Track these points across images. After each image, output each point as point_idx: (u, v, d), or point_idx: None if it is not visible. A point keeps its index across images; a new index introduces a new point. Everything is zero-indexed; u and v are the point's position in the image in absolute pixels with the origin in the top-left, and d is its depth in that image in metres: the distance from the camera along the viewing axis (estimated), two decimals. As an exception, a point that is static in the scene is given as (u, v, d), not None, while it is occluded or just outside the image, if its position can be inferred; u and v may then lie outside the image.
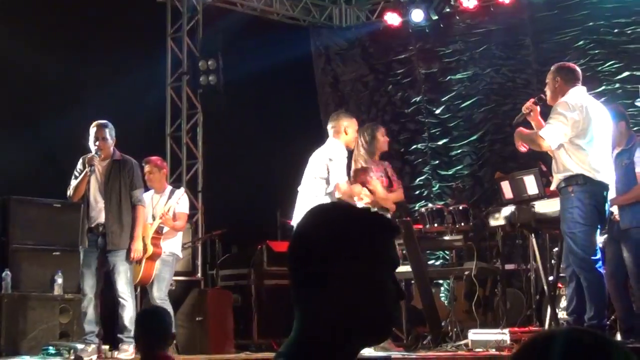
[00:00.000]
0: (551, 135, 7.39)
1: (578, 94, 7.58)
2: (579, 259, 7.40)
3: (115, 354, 9.30)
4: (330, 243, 2.16)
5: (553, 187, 7.71)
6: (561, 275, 8.65)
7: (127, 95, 11.88)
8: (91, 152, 9.31)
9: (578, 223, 7.37)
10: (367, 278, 2.16)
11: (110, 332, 9.52)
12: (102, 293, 9.44)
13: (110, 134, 9.40)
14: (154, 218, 9.97)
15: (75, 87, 12.16)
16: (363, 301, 2.15)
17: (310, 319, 2.18)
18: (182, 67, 14.33)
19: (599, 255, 7.52)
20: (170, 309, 9.83)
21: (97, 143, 9.28)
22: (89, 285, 9.26)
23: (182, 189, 10.57)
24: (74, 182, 9.32)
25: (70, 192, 9.37)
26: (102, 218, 9.29)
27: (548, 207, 8.05)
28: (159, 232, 9.84)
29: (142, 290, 10.42)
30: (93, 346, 9.15)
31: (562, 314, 8.89)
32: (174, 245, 10.20)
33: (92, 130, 9.36)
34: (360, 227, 2.20)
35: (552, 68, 7.83)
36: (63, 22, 12.46)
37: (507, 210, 8.47)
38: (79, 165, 9.36)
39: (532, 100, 7.79)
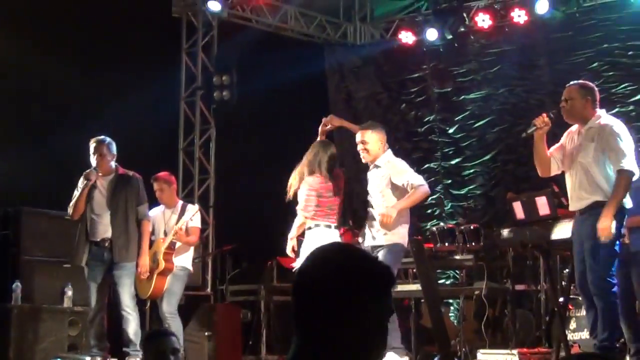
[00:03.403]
0: (632, 163, 7.40)
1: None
2: (601, 280, 7.36)
3: (123, 366, 9.31)
4: (332, 285, 2.38)
5: (578, 207, 7.62)
6: (571, 297, 8.62)
7: (141, 109, 11.90)
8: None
9: (608, 247, 7.35)
10: (363, 321, 2.36)
11: (118, 345, 9.52)
12: (109, 306, 9.46)
13: (109, 149, 9.41)
14: (165, 234, 9.98)
15: (89, 101, 12.20)
16: (356, 342, 2.37)
17: (306, 345, 2.38)
18: (197, 82, 14.37)
19: (615, 280, 7.52)
20: (179, 323, 9.85)
21: (95, 158, 9.33)
22: (94, 299, 9.29)
23: (196, 206, 10.59)
24: (74, 199, 9.36)
25: (70, 209, 9.40)
26: (108, 232, 9.31)
27: (559, 228, 8.01)
28: (171, 247, 9.86)
29: (152, 303, 10.43)
30: (99, 359, 9.17)
31: (571, 336, 8.87)
32: (185, 260, 10.21)
33: (91, 145, 9.40)
34: (362, 275, 2.41)
35: (579, 86, 7.73)
36: (77, 35, 12.51)
37: (519, 231, 8.44)
38: (80, 182, 9.39)
39: (545, 115, 7.72)
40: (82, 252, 9.34)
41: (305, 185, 8.73)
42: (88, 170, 9.32)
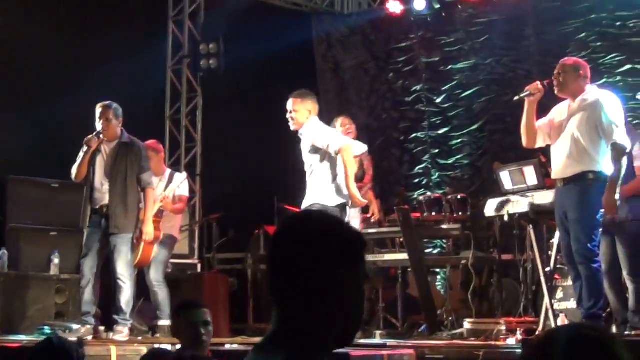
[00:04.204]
0: (624, 136, 7.48)
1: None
2: (587, 251, 7.44)
3: (110, 335, 9.28)
4: (307, 253, 2.35)
5: (563, 175, 7.68)
6: (558, 266, 8.66)
7: (127, 77, 11.84)
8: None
9: (594, 216, 7.44)
10: (340, 289, 2.35)
11: (108, 313, 9.51)
12: (102, 274, 9.43)
13: (115, 114, 9.31)
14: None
15: (75, 69, 12.13)
16: (335, 310, 2.35)
17: (287, 317, 2.39)
18: (183, 50, 14.33)
19: (599, 250, 7.62)
20: (166, 291, 9.86)
21: (100, 124, 9.24)
22: (89, 266, 9.22)
23: (184, 174, 10.57)
24: (77, 161, 9.29)
25: (73, 172, 9.32)
26: (106, 200, 9.23)
27: (546, 198, 8.05)
28: (158, 215, 9.83)
29: (139, 272, 10.43)
30: (88, 327, 9.12)
31: (557, 305, 8.91)
32: (172, 228, 10.21)
33: (97, 111, 9.30)
34: (335, 242, 2.38)
35: (572, 61, 7.84)
36: (63, 3, 12.44)
37: (505, 200, 8.47)
38: (83, 148, 9.31)
39: (539, 82, 7.75)
40: (87, 217, 9.28)
41: None
42: (89, 136, 9.23)
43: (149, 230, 9.35)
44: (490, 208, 8.72)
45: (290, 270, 2.37)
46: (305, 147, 8.52)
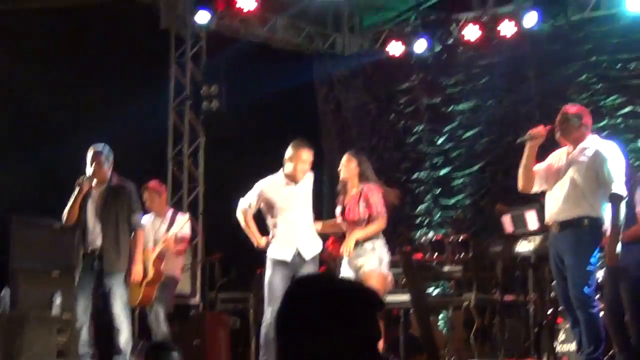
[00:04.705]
0: (622, 187, 7.53)
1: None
2: (584, 296, 7.45)
3: (113, 376, 9.29)
4: (319, 320, 2.33)
5: (558, 219, 7.70)
6: (560, 308, 8.66)
7: (130, 118, 11.88)
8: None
9: (591, 263, 7.47)
10: (347, 352, 2.31)
11: (107, 353, 9.49)
12: (97, 315, 9.44)
13: (107, 158, 9.35)
14: (155, 243, 9.97)
15: (78, 110, 12.20)
16: None
17: None
18: (185, 92, 14.38)
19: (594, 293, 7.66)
20: (168, 331, 9.86)
21: (92, 168, 9.28)
22: (82, 307, 9.26)
23: (187, 215, 10.60)
24: (68, 205, 9.34)
25: (64, 216, 9.38)
26: (99, 242, 9.27)
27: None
28: (160, 257, 9.86)
29: (141, 311, 10.44)
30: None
31: (559, 348, 8.90)
32: (173, 269, 10.22)
33: (89, 154, 9.35)
34: (340, 306, 2.35)
35: (576, 110, 7.84)
36: (67, 45, 12.51)
37: (508, 244, 8.49)
38: (75, 191, 9.36)
39: (543, 126, 7.78)
40: (79, 259, 9.32)
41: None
42: (80, 179, 9.28)
43: (137, 270, 9.35)
44: (492, 250, 8.75)
45: (302, 336, 2.35)
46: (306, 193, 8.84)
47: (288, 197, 8.90)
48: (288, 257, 8.82)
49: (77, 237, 9.37)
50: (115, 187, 9.39)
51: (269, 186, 8.99)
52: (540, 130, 7.75)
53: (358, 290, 2.42)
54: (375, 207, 8.64)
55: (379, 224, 8.64)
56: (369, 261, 8.57)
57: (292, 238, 8.87)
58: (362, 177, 8.84)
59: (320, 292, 2.38)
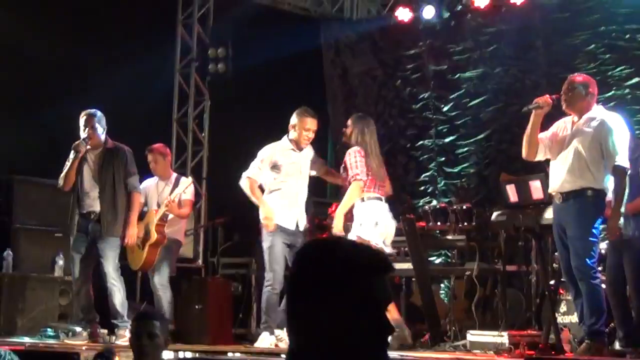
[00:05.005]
0: (625, 159, 7.54)
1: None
2: (586, 267, 7.45)
3: (113, 339, 9.32)
4: (326, 280, 2.37)
5: (561, 189, 7.68)
6: (562, 280, 8.65)
7: (135, 80, 11.86)
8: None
9: (593, 234, 7.46)
10: (350, 315, 2.36)
11: (107, 316, 9.52)
12: (94, 277, 9.47)
13: (99, 122, 9.41)
14: (159, 205, 9.97)
15: (83, 71, 12.17)
16: (343, 333, 2.36)
17: (302, 334, 2.41)
18: (192, 54, 14.33)
19: (598, 265, 7.67)
20: (170, 295, 9.87)
21: (86, 132, 9.31)
22: (79, 270, 9.32)
23: (190, 178, 10.59)
24: (64, 170, 9.36)
25: (60, 181, 9.40)
26: (96, 206, 9.33)
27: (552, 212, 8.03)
28: (163, 219, 9.87)
29: (144, 275, 10.45)
30: (89, 330, 9.23)
31: (561, 319, 8.89)
32: (177, 232, 10.22)
33: (82, 119, 9.39)
34: (352, 269, 2.39)
35: (582, 78, 7.82)
36: (72, 6, 12.45)
37: (511, 213, 8.47)
38: (70, 154, 9.37)
39: (549, 96, 7.75)
40: (73, 223, 9.36)
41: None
42: (77, 142, 9.30)
43: (132, 233, 9.41)
44: (496, 219, 8.73)
45: (312, 297, 2.39)
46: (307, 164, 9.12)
47: (294, 162, 8.99)
48: (292, 225, 8.89)
49: (72, 201, 9.40)
50: (111, 151, 9.43)
51: (276, 150, 9.09)
52: (546, 99, 7.72)
53: (366, 253, 2.46)
54: (351, 169, 8.71)
55: (353, 188, 8.77)
56: (353, 227, 8.81)
57: (295, 206, 8.95)
58: (352, 140, 8.95)
59: (330, 255, 2.42)
